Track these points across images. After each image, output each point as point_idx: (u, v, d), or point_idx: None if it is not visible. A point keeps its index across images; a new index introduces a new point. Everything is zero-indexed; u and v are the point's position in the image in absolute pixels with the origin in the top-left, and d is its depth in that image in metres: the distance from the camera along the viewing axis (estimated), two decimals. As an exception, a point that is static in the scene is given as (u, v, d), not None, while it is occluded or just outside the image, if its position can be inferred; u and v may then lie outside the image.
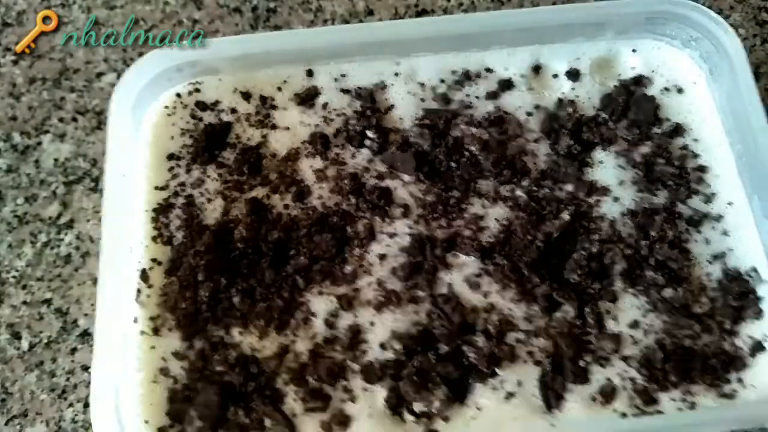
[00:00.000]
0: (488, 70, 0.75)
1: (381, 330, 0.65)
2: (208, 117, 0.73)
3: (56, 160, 0.80)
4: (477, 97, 0.74)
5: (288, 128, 0.73)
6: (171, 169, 0.71)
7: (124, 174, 0.68)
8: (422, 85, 0.75)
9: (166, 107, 0.73)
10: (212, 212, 0.69)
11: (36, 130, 0.82)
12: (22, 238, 0.77)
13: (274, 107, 0.74)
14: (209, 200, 0.70)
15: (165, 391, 0.63)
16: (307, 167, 0.71)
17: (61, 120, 0.82)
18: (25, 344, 0.73)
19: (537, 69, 0.75)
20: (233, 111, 0.73)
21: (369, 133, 0.72)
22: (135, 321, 0.65)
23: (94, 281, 0.73)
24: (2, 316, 0.74)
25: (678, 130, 0.72)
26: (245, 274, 0.66)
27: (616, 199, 0.70)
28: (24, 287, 0.75)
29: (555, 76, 0.75)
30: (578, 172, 0.71)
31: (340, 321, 0.65)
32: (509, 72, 0.75)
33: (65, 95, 0.84)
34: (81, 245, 0.77)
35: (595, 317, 0.65)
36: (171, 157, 0.71)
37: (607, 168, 0.71)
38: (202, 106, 0.73)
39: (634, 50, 0.76)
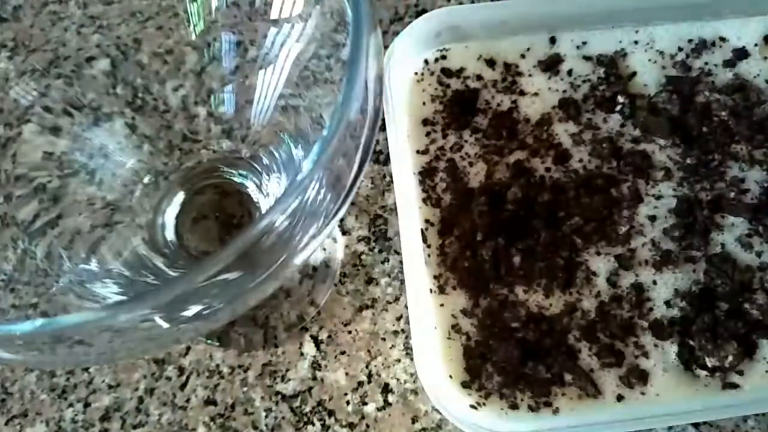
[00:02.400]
0: (722, 39, 0.75)
1: (663, 289, 0.66)
2: (455, 84, 0.73)
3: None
4: (715, 65, 0.74)
5: (536, 94, 0.73)
6: (428, 134, 0.71)
7: (397, 140, 0.69)
8: (661, 53, 0.75)
9: (416, 73, 0.73)
10: (476, 175, 0.70)
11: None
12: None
13: (519, 74, 0.74)
14: (471, 164, 0.70)
15: (460, 347, 0.64)
16: (562, 131, 0.71)
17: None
18: (25, 344, 0.73)
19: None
20: (479, 78, 0.73)
21: (620, 98, 0.72)
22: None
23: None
24: (2, 316, 0.74)
25: None
26: (522, 235, 0.67)
27: None
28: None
29: (788, 45, 0.76)
30: (828, 138, 0.71)
31: (621, 280, 0.66)
32: (742, 41, 0.75)
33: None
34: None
35: None
36: (425, 122, 0.71)
37: None
38: (447, 72, 0.73)
39: None
